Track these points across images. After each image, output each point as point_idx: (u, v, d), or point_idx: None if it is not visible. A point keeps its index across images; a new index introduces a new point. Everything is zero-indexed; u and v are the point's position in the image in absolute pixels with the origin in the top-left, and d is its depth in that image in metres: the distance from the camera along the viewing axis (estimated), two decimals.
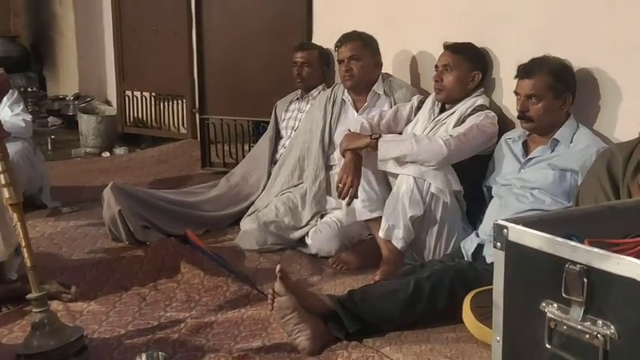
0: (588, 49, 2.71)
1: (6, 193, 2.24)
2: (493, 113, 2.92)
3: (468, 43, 3.08)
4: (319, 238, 3.21)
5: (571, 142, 2.61)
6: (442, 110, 3.08)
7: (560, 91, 2.61)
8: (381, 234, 2.82)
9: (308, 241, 3.27)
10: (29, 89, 7.18)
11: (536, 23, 2.93)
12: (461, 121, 2.94)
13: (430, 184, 2.73)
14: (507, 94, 2.97)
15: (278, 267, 2.34)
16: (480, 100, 2.99)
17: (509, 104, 2.97)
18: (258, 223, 3.33)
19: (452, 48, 3.05)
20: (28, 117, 3.97)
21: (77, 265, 3.09)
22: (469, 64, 3.02)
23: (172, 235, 3.32)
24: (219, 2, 4.50)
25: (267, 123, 4.05)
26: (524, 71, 2.65)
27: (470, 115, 2.93)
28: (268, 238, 3.28)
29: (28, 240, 2.27)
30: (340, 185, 2.90)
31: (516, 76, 2.70)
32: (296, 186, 3.53)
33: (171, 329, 2.45)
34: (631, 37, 2.55)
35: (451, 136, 2.79)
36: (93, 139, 5.57)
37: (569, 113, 2.67)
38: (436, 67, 3.07)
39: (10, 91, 3.76)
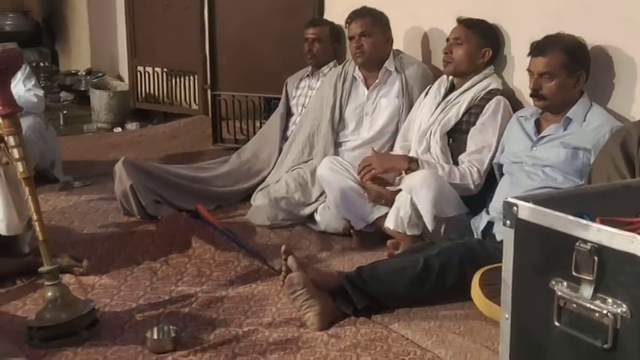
0: (603, 26, 2.68)
1: (20, 167, 2.26)
2: (506, 101, 2.92)
3: (482, 19, 3.06)
4: (328, 214, 3.21)
5: (584, 120, 2.59)
6: (451, 90, 3.07)
7: (574, 69, 2.58)
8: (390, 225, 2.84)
9: (317, 217, 3.27)
10: (41, 64, 7.15)
11: (550, 0, 2.89)
12: (475, 104, 2.95)
13: None
14: (519, 72, 2.94)
15: (283, 247, 2.36)
16: (494, 84, 2.98)
17: (522, 83, 2.93)
18: (270, 198, 3.34)
19: (465, 22, 3.04)
20: (40, 92, 3.97)
21: (89, 239, 3.11)
22: (480, 40, 3.00)
23: (184, 210, 3.34)
24: None
25: (279, 100, 4.03)
26: (538, 49, 2.62)
27: (483, 99, 2.94)
28: (279, 213, 3.29)
29: (40, 214, 2.29)
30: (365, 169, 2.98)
31: (529, 54, 2.67)
32: (306, 162, 3.52)
33: (182, 303, 2.48)
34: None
35: (478, 170, 2.85)
36: (105, 114, 5.57)
37: (583, 91, 2.65)
38: (447, 40, 3.06)
39: (23, 66, 3.76)
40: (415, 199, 2.74)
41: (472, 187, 2.86)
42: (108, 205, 3.55)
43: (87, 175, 4.06)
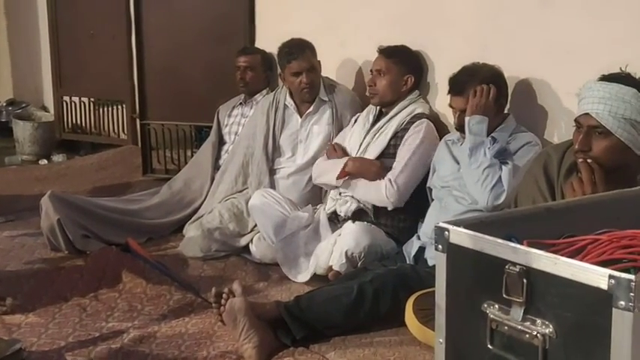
0: (523, 52, 2.78)
1: None
2: (430, 124, 2.98)
3: (402, 46, 3.12)
4: (263, 244, 3.19)
5: (509, 138, 2.65)
6: (379, 117, 3.12)
7: (494, 99, 2.63)
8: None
9: (252, 248, 3.24)
10: None
11: (473, 27, 2.99)
12: (402, 129, 3.00)
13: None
14: (445, 97, 2.99)
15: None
16: (420, 109, 3.05)
17: (447, 107, 3.00)
18: (202, 229, 3.30)
19: (385, 52, 3.09)
20: None
21: (13, 276, 3.00)
22: (401, 68, 3.07)
23: (113, 243, 3.25)
24: (158, 5, 4.44)
25: (210, 128, 4.01)
26: (456, 88, 2.68)
27: (409, 123, 3.00)
28: (212, 245, 3.25)
29: None
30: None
31: (449, 92, 2.72)
32: (240, 192, 3.52)
33: (114, 340, 2.41)
34: (562, 41, 2.63)
35: (392, 184, 2.89)
36: (29, 146, 5.43)
37: (508, 114, 2.73)
38: (371, 71, 3.11)
39: None
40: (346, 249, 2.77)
41: (387, 200, 2.90)
42: (34, 241, 3.43)
43: (11, 210, 3.93)
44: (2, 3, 6.62)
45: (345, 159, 3.06)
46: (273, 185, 3.41)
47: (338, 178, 3.02)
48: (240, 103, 3.92)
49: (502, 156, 2.59)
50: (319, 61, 3.43)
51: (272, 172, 3.45)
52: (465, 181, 2.61)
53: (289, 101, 3.47)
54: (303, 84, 3.35)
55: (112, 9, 5.05)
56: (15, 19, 6.55)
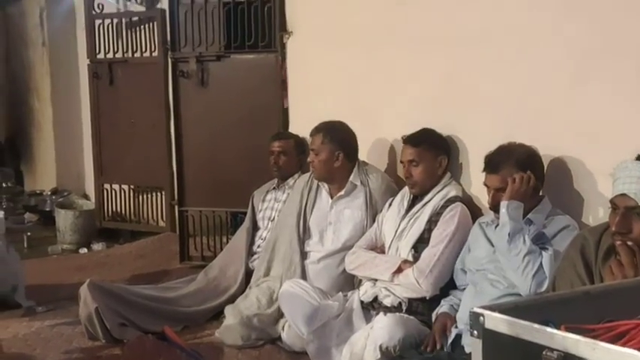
0: (555, 132, 2.77)
1: None
2: (464, 207, 2.96)
3: (424, 130, 3.14)
4: (293, 332, 3.14)
5: (545, 220, 2.62)
6: (414, 202, 3.11)
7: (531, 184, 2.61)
8: None
9: (283, 334, 3.21)
10: (4, 185, 7.14)
11: (504, 108, 3.01)
12: (436, 213, 2.99)
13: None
14: (477, 180, 3.00)
15: None
16: (453, 191, 3.04)
17: (480, 190, 2.99)
18: (241, 316, 3.28)
19: (412, 141, 3.10)
20: (0, 214, 3.94)
21: None
22: (432, 152, 3.08)
23: (150, 332, 3.27)
24: (196, 94, 4.58)
25: (245, 214, 4.06)
26: (491, 166, 2.67)
27: (443, 207, 2.98)
28: (252, 333, 3.23)
29: None
30: None
31: (484, 170, 2.71)
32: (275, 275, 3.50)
33: None
34: (595, 121, 2.62)
35: (429, 273, 2.85)
36: (70, 234, 5.53)
37: (543, 195, 2.69)
38: (402, 162, 3.12)
39: None
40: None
41: (423, 290, 2.86)
42: (72, 330, 3.46)
43: (51, 299, 3.98)
44: (49, 92, 6.93)
45: (398, 258, 3.00)
46: (304, 267, 3.38)
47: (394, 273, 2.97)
48: (274, 188, 3.98)
49: (540, 240, 2.54)
50: (339, 150, 3.40)
51: (303, 254, 3.42)
52: (504, 267, 2.55)
53: (323, 182, 3.50)
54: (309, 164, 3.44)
55: (152, 98, 5.25)
56: (59, 108, 6.83)
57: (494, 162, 2.66)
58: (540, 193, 2.71)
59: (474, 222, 2.91)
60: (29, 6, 7.29)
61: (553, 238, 2.54)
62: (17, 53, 7.67)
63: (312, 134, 3.46)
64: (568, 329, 1.36)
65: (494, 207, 2.65)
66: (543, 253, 2.48)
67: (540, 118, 2.85)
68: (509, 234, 2.51)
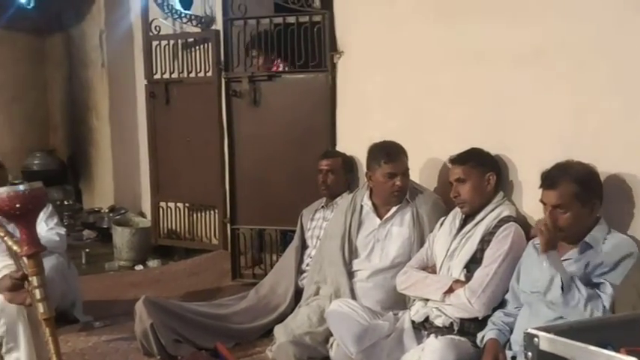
0: (611, 151, 2.71)
1: (40, 308, 2.26)
2: (518, 227, 2.91)
3: (471, 149, 3.11)
4: (341, 352, 3.11)
5: (603, 244, 2.54)
6: (465, 222, 3.07)
7: (587, 198, 2.55)
8: None
9: (331, 352, 3.19)
10: (65, 202, 7.33)
11: (557, 127, 2.96)
12: (489, 233, 2.94)
13: None
14: (530, 199, 2.95)
15: None
16: (506, 211, 2.99)
17: (534, 210, 2.94)
18: (293, 335, 3.28)
19: (458, 160, 3.08)
20: (63, 231, 4.01)
21: None
22: (480, 169, 3.04)
23: (203, 348, 3.30)
24: (247, 114, 4.64)
25: (294, 232, 4.07)
26: (548, 181, 2.60)
27: (496, 227, 2.94)
28: (305, 352, 3.22)
29: (60, 356, 2.26)
30: None
31: (540, 186, 2.65)
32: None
33: None
34: None
35: (476, 298, 2.81)
36: (127, 251, 5.62)
37: (600, 217, 2.62)
38: (450, 182, 3.09)
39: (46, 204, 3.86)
40: None
41: (475, 311, 2.82)
42: (128, 346, 3.52)
43: (107, 314, 4.06)
44: (107, 111, 7.12)
45: (450, 278, 2.97)
46: (351, 287, 3.35)
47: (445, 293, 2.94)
48: (322, 207, 3.98)
49: (598, 271, 2.47)
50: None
51: (350, 274, 3.39)
52: (565, 315, 2.46)
53: (367, 202, 3.46)
54: (396, 187, 3.33)
55: (206, 117, 5.33)
56: (117, 127, 7.01)
57: (552, 177, 2.60)
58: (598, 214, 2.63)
59: (527, 242, 2.85)
60: (90, 28, 7.52)
61: (613, 270, 2.45)
62: (78, 74, 7.91)
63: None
64: (629, 352, 1.31)
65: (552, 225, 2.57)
66: (602, 295, 2.39)
67: (596, 136, 2.79)
68: (562, 287, 2.42)
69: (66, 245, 4.08)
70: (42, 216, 3.86)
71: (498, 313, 2.79)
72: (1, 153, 5.95)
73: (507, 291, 2.83)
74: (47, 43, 8.61)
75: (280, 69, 4.67)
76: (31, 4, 8.29)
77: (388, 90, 3.93)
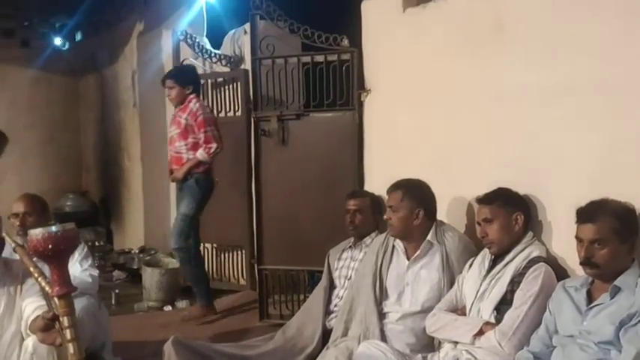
0: None
1: (70, 349, 2.27)
2: (548, 268, 2.85)
3: (499, 189, 3.08)
4: None
5: (636, 287, 2.46)
6: (495, 263, 3.04)
7: (626, 235, 2.49)
8: None
9: None
10: (97, 243, 7.41)
11: (589, 165, 2.91)
12: (519, 274, 2.90)
13: None
14: (561, 239, 2.90)
15: None
16: (536, 251, 2.94)
17: (564, 250, 2.90)
18: None
19: (485, 200, 3.06)
20: (96, 272, 4.00)
21: None
22: (507, 209, 3.00)
23: None
24: (276, 153, 4.68)
25: (322, 272, 4.05)
26: (586, 215, 2.53)
27: (526, 267, 2.89)
28: None
29: None
30: None
31: (577, 221, 2.57)
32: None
33: None
34: None
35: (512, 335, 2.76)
36: (156, 292, 5.63)
37: (634, 259, 2.54)
38: (478, 223, 3.07)
39: (81, 245, 3.90)
40: None
41: (505, 354, 2.76)
42: None
43: (136, 355, 4.07)
44: (138, 152, 7.22)
45: (480, 320, 2.92)
46: (381, 329, 3.30)
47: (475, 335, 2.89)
48: (350, 247, 3.97)
49: (632, 321, 2.38)
50: (419, 208, 3.36)
51: (382, 315, 3.35)
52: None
53: (397, 242, 3.45)
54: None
55: (235, 156, 5.40)
56: (148, 167, 7.09)
57: (590, 211, 2.53)
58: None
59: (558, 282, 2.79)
60: (122, 69, 7.69)
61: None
62: (110, 115, 8.07)
63: (390, 191, 3.43)
64: None
65: (587, 261, 2.51)
66: None
67: (627, 175, 2.73)
68: None
69: (97, 287, 4.09)
70: (77, 257, 3.88)
71: (526, 354, 2.72)
72: (40, 194, 6.03)
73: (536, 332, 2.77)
74: (81, 84, 8.82)
75: (193, 103, 4.85)
76: (66, 46, 8.56)
77: (416, 128, 3.93)
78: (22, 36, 8.48)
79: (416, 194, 3.35)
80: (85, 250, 4.04)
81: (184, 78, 4.99)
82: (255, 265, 4.83)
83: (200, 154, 4.81)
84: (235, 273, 5.59)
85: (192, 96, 4.94)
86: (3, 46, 8.28)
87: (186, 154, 4.90)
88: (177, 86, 4.94)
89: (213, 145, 4.80)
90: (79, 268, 3.88)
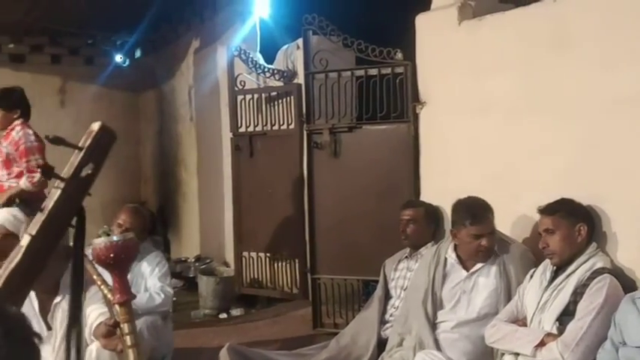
0: None
1: (130, 355, 2.35)
2: (613, 279, 2.80)
3: (562, 199, 3.03)
4: None
5: None
6: (556, 274, 2.99)
7: None
8: None
9: None
10: None
11: None
12: (582, 285, 2.85)
13: None
14: (626, 250, 2.85)
15: None
16: (600, 263, 2.89)
17: (630, 261, 2.85)
18: None
19: (547, 210, 3.01)
20: (170, 291, 4.04)
21: None
22: (570, 220, 2.96)
23: None
24: (328, 165, 4.72)
25: (377, 282, 4.06)
26: None
27: (589, 278, 2.84)
28: None
29: None
30: None
31: None
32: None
33: None
34: None
35: (575, 347, 2.71)
36: (211, 300, 5.73)
37: None
38: (539, 233, 3.03)
39: (163, 261, 4.00)
40: None
41: None
42: None
43: None
44: (195, 164, 7.39)
45: (541, 331, 2.89)
46: (435, 339, 3.29)
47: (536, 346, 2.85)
48: (406, 257, 3.96)
49: None
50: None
51: (434, 325, 3.34)
52: None
53: (451, 254, 3.42)
54: (482, 247, 3.28)
55: (288, 169, 5.45)
56: (204, 179, 7.24)
57: None
58: None
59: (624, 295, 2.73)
60: (179, 84, 7.89)
61: None
62: (168, 128, 8.28)
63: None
64: None
65: None
66: None
67: None
68: None
69: (170, 304, 4.10)
70: (157, 271, 3.95)
71: None
72: (100, 205, 6.24)
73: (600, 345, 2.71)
74: (141, 99, 9.08)
75: (15, 131, 4.69)
76: (127, 63, 8.84)
77: (473, 140, 3.89)
78: (86, 54, 8.80)
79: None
80: (166, 267, 4.08)
81: (10, 102, 4.76)
82: (309, 274, 4.88)
83: (23, 183, 4.61)
84: (289, 282, 5.65)
85: (18, 122, 4.72)
86: (68, 63, 8.61)
87: (7, 182, 4.70)
88: (1, 110, 4.71)
89: (37, 175, 4.51)
90: (158, 284, 3.95)
